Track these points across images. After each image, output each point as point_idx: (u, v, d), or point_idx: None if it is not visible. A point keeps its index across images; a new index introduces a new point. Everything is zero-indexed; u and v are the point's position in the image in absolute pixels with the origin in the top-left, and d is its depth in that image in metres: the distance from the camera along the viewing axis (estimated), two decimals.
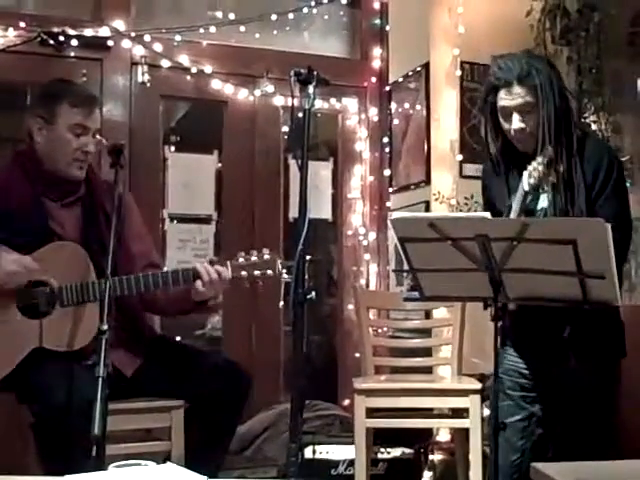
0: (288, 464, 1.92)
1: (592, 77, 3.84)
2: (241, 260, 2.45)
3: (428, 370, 3.56)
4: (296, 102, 2.11)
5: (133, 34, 4.01)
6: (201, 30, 4.15)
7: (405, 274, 3.82)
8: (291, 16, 4.36)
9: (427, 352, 3.57)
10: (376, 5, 4.56)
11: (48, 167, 2.54)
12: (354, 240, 4.49)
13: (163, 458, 2.43)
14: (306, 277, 1.99)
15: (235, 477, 3.41)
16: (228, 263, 2.45)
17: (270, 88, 4.25)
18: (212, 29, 4.16)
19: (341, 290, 4.50)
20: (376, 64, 4.55)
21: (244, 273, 2.44)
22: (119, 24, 3.99)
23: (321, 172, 4.49)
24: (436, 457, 3.53)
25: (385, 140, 4.47)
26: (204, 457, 2.49)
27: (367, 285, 4.43)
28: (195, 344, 4.03)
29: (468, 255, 1.99)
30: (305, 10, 4.41)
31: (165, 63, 4.09)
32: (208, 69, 4.17)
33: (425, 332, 3.62)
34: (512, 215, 2.27)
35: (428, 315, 3.74)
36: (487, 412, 2.94)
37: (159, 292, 2.52)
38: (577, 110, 3.62)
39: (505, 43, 3.34)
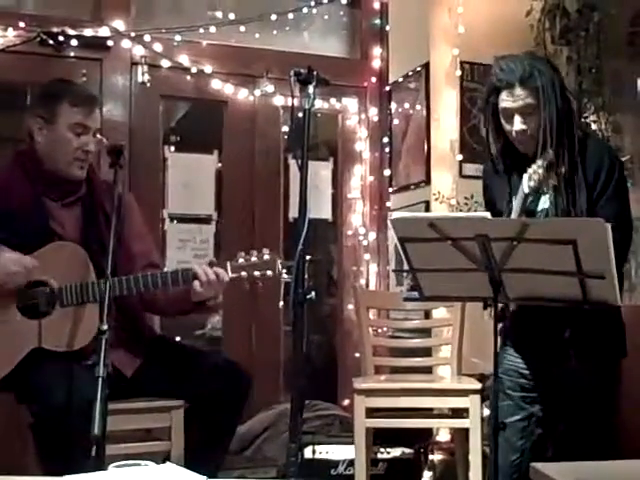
0: (288, 464, 1.92)
1: (592, 77, 3.85)
2: (241, 261, 2.45)
3: (428, 370, 3.56)
4: (296, 102, 2.11)
5: (133, 34, 4.01)
6: (201, 30, 4.15)
7: (405, 274, 3.82)
8: (291, 16, 4.36)
9: (427, 352, 3.57)
10: (376, 5, 4.56)
11: (49, 167, 2.54)
12: (354, 240, 4.49)
13: (163, 458, 2.43)
14: (306, 277, 1.99)
15: (235, 477, 3.41)
16: (228, 264, 2.45)
17: (270, 88, 4.25)
18: (212, 29, 4.16)
19: (341, 290, 4.50)
20: (376, 64, 4.55)
21: (244, 274, 2.44)
22: (119, 24, 3.99)
23: (321, 172, 4.49)
24: (436, 457, 3.53)
25: (385, 140, 4.47)
26: (204, 457, 2.49)
27: (367, 285, 4.43)
28: (195, 344, 4.03)
29: (468, 255, 1.99)
30: (305, 10, 4.41)
31: (165, 63, 4.09)
32: (208, 69, 4.17)
33: (425, 332, 3.62)
34: (513, 216, 2.27)
35: (428, 315, 3.74)
36: (487, 412, 2.94)
37: (159, 292, 2.51)
38: (577, 110, 3.62)
39: (505, 43, 3.35)
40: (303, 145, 2.08)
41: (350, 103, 4.54)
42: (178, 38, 4.10)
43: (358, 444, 2.99)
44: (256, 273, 2.43)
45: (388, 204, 4.42)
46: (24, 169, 2.56)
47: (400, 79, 4.38)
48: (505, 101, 2.33)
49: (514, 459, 2.41)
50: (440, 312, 3.61)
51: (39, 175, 2.55)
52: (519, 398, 2.44)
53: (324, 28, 4.57)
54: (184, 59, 4.12)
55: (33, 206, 2.50)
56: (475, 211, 3.55)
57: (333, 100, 4.44)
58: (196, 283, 2.42)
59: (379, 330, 3.80)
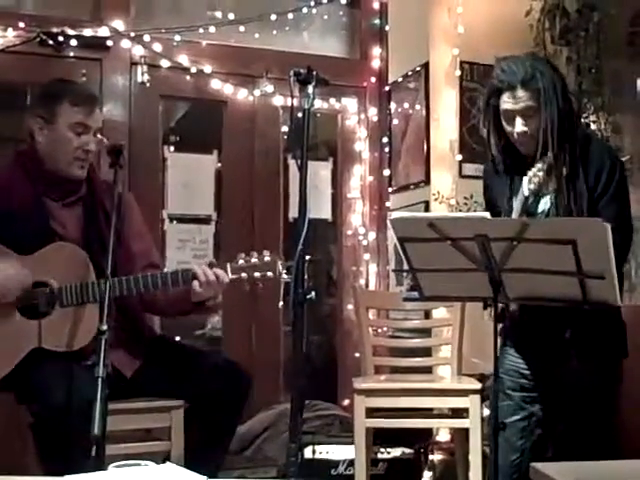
0: (288, 464, 1.92)
1: (592, 77, 3.85)
2: (241, 262, 2.44)
3: (428, 370, 3.56)
4: (295, 102, 2.11)
5: (132, 34, 4.01)
6: (200, 30, 4.15)
7: (405, 274, 3.82)
8: (290, 16, 4.36)
9: (427, 352, 3.57)
10: (375, 5, 4.56)
11: (49, 167, 2.54)
12: (354, 240, 4.49)
13: (163, 458, 2.43)
14: (306, 277, 1.99)
15: (235, 477, 3.41)
16: (228, 265, 2.44)
17: (270, 88, 4.25)
18: (212, 29, 4.16)
19: (341, 290, 4.50)
20: (375, 64, 4.55)
21: (244, 275, 2.44)
22: (118, 24, 3.99)
23: (321, 172, 4.49)
24: (436, 457, 3.53)
25: (385, 140, 4.48)
26: (204, 457, 2.48)
27: (367, 285, 4.43)
28: (195, 344, 4.02)
29: (468, 255, 1.99)
30: (305, 10, 4.41)
31: (165, 63, 4.09)
32: (207, 69, 4.17)
33: (425, 332, 3.62)
34: (513, 216, 2.27)
35: (428, 315, 3.74)
36: (487, 412, 2.94)
37: (159, 293, 2.51)
38: (577, 110, 3.62)
39: (504, 43, 3.35)
40: (303, 145, 2.08)
41: (350, 103, 4.54)
42: (178, 38, 4.10)
43: (358, 444, 2.99)
44: (256, 274, 2.43)
45: (388, 204, 4.42)
46: (25, 169, 2.56)
47: (400, 79, 4.38)
48: (506, 103, 2.33)
49: (514, 459, 2.41)
50: (440, 312, 3.61)
51: (40, 175, 2.55)
52: (519, 398, 2.44)
53: (324, 28, 4.58)
54: (184, 59, 4.12)
55: (34, 206, 2.50)
56: (475, 211, 3.55)
57: (333, 100, 4.44)
58: (195, 283, 2.41)
59: (379, 330, 3.80)
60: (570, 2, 3.95)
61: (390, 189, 4.43)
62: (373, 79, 4.54)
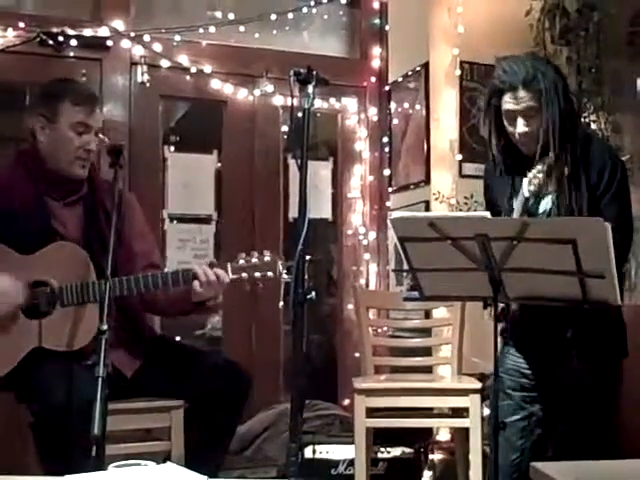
0: (288, 464, 1.92)
1: (592, 77, 3.84)
2: (241, 262, 2.45)
3: (428, 370, 3.56)
4: (295, 102, 2.11)
5: (132, 34, 4.01)
6: (200, 30, 4.15)
7: (405, 274, 3.82)
8: (290, 16, 4.36)
9: (427, 352, 3.57)
10: (375, 5, 4.56)
11: (51, 166, 2.54)
12: (354, 240, 4.49)
13: (163, 458, 2.43)
14: (306, 277, 1.99)
15: (235, 477, 3.41)
16: (228, 265, 2.44)
17: (269, 88, 4.25)
18: (211, 29, 4.16)
19: (341, 290, 4.50)
20: (375, 64, 4.55)
21: (244, 275, 2.44)
22: (118, 24, 3.99)
23: (321, 172, 4.49)
24: (436, 457, 3.53)
25: (385, 140, 4.47)
26: (204, 457, 2.49)
27: (367, 285, 4.43)
28: (195, 344, 4.02)
29: (468, 255, 1.99)
30: (305, 10, 4.41)
31: (164, 63, 4.09)
32: (207, 69, 4.17)
33: (425, 332, 3.62)
34: (514, 216, 2.27)
35: (428, 315, 3.74)
36: (487, 412, 2.94)
37: (159, 293, 2.51)
38: (577, 110, 3.62)
39: (504, 43, 3.35)
40: (303, 145, 2.08)
41: (350, 103, 4.54)
42: (178, 38, 4.10)
43: (358, 444, 2.99)
44: (257, 274, 2.43)
45: (388, 204, 4.42)
46: (26, 169, 2.56)
47: (400, 79, 4.38)
48: (508, 103, 2.33)
49: (514, 458, 2.41)
50: (440, 312, 3.61)
51: (41, 174, 2.55)
52: (520, 398, 2.44)
53: (324, 28, 4.57)
54: (184, 59, 4.12)
55: (35, 206, 2.50)
56: (475, 211, 3.55)
57: (333, 100, 4.44)
58: (196, 283, 2.41)
59: (379, 330, 3.80)
60: (570, 2, 3.95)
61: (390, 189, 4.43)
62: (373, 79, 4.54)
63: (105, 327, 2.03)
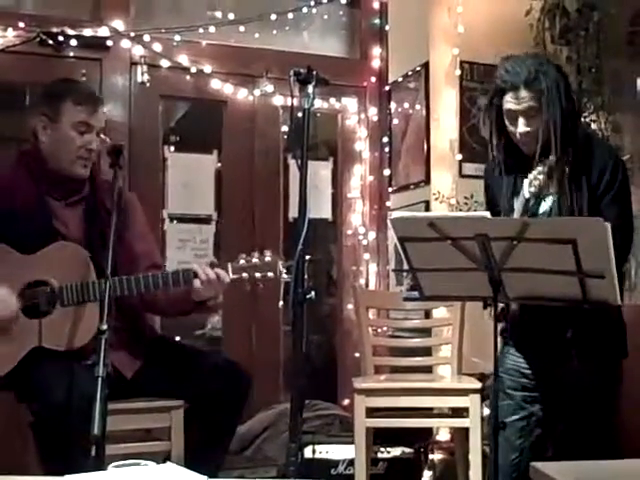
0: (288, 464, 1.92)
1: (592, 76, 3.84)
2: (242, 262, 2.45)
3: (428, 369, 3.56)
4: (295, 102, 2.11)
5: (132, 34, 4.01)
6: (200, 30, 4.15)
7: (405, 274, 3.82)
8: (290, 16, 4.36)
9: (427, 351, 3.57)
10: (375, 5, 4.56)
11: (52, 166, 2.54)
12: (354, 240, 4.49)
13: (163, 458, 2.43)
14: (306, 277, 1.99)
15: (235, 477, 3.41)
16: (229, 265, 2.44)
17: (269, 88, 4.25)
18: (211, 29, 4.16)
19: (341, 290, 4.50)
20: (375, 64, 4.55)
21: (245, 275, 2.44)
22: (118, 24, 3.99)
23: (321, 172, 4.49)
24: (436, 456, 3.53)
25: (385, 140, 4.47)
26: (204, 457, 2.48)
27: (367, 285, 4.43)
28: (195, 344, 4.02)
29: (468, 255, 1.99)
30: (305, 10, 4.41)
31: (164, 63, 4.09)
32: (207, 69, 4.17)
33: (425, 331, 3.62)
34: (515, 216, 2.27)
35: (428, 315, 3.74)
36: (487, 411, 2.94)
37: (159, 293, 2.51)
38: (577, 110, 3.62)
39: (504, 43, 3.35)
40: (303, 145, 2.08)
41: (350, 103, 4.54)
42: (177, 38, 4.10)
43: (358, 444, 2.99)
44: (257, 274, 2.43)
45: (388, 204, 4.42)
46: (28, 169, 2.56)
47: (400, 79, 4.38)
48: (509, 103, 2.33)
49: (514, 458, 2.41)
50: (440, 312, 3.61)
51: (43, 174, 2.55)
52: (520, 398, 2.44)
53: (324, 28, 4.57)
54: (183, 59, 4.12)
55: (37, 205, 2.50)
56: (475, 211, 3.55)
57: (333, 100, 4.44)
58: (196, 282, 2.41)
59: (379, 330, 3.79)
60: (570, 2, 3.95)
61: (390, 189, 4.43)
62: (373, 79, 4.54)
63: (105, 327, 2.03)
